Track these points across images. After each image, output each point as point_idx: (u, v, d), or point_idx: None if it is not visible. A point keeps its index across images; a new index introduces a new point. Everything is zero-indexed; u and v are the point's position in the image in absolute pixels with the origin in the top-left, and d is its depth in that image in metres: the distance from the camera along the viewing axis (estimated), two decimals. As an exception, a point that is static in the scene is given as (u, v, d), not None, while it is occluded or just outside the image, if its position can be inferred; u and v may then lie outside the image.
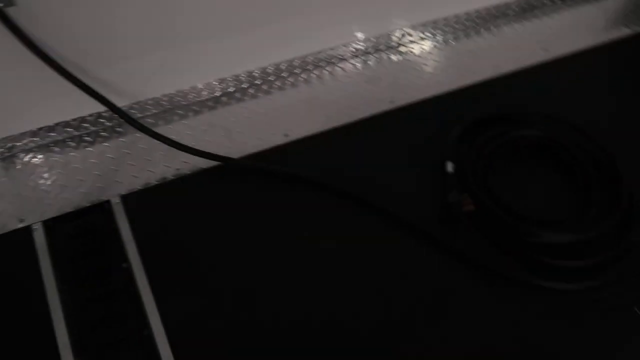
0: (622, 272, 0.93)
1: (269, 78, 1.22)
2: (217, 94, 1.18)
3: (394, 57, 1.28)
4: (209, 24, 1.08)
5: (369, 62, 1.27)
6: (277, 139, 1.11)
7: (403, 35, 1.30)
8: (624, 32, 1.37)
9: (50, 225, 0.96)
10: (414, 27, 1.31)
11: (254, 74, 1.20)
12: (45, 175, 1.03)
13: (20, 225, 0.96)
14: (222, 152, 1.05)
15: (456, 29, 1.35)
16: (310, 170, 1.04)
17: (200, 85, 1.16)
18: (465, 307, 0.90)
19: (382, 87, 1.22)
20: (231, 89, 1.19)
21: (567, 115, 1.13)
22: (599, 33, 1.36)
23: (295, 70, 1.23)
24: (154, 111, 1.14)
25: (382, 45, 1.29)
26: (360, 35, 1.26)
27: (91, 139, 1.09)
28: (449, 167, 1.04)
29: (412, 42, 1.31)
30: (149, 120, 1.12)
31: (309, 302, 0.90)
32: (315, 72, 1.24)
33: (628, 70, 1.29)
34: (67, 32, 0.94)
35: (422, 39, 1.32)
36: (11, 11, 0.85)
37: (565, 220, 0.99)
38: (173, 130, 1.10)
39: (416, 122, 1.15)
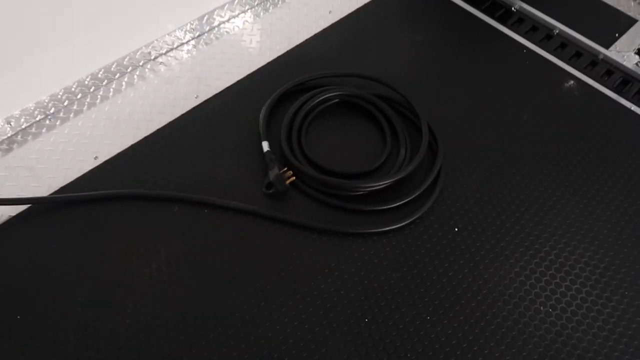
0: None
1: (64, 104, 1.15)
2: (10, 134, 1.10)
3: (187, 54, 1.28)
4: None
5: (160, 65, 1.25)
6: (87, 165, 1.06)
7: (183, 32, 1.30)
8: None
9: None
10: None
11: (44, 102, 1.13)
12: None
13: None
14: (29, 194, 0.99)
15: (252, 5, 1.36)
16: (126, 185, 1.02)
17: (-14, 129, 1.07)
18: (301, 266, 0.95)
19: (182, 84, 1.21)
20: (24, 125, 1.11)
21: (361, 70, 1.20)
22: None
23: (90, 90, 1.18)
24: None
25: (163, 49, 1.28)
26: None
27: None
28: (265, 146, 1.06)
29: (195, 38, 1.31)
30: None
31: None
32: (110, 86, 1.20)
33: (406, 17, 1.40)
34: None
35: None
36: None
37: (380, 168, 1.06)
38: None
39: (225, 110, 1.16)
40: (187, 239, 0.97)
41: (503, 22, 1.38)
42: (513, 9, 1.40)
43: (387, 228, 0.98)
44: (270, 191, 1.01)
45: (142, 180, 1.03)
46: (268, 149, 1.06)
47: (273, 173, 1.01)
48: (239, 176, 1.06)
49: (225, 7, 1.33)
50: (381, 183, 1.01)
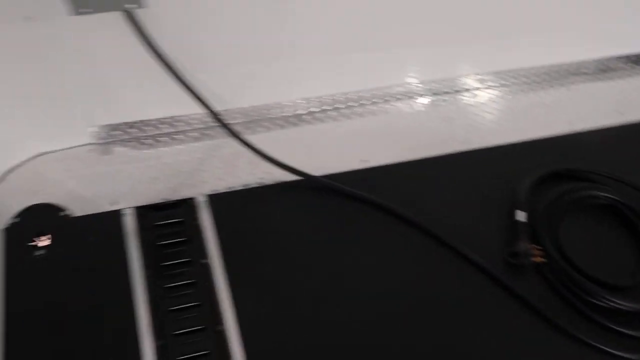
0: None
1: (350, 104, 1.27)
2: (301, 111, 1.24)
3: (468, 100, 1.33)
4: (303, 44, 1.14)
5: (444, 101, 1.32)
6: (354, 163, 1.16)
7: (479, 80, 1.35)
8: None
9: (139, 212, 1.02)
10: (488, 74, 1.36)
11: (336, 97, 1.26)
12: (139, 165, 1.10)
13: (112, 208, 1.02)
14: (302, 168, 1.11)
15: (531, 81, 1.39)
16: (383, 197, 1.09)
17: (286, 102, 1.22)
18: (522, 350, 0.93)
19: (456, 127, 1.27)
20: (314, 109, 1.25)
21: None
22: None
23: (375, 100, 1.29)
24: (241, 120, 1.20)
25: (458, 87, 1.34)
26: (435, 75, 1.31)
27: (183, 138, 1.15)
28: (520, 216, 1.07)
29: (488, 87, 1.36)
30: (237, 128, 1.18)
31: (371, 323, 0.94)
32: (394, 103, 1.29)
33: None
34: (179, 34, 1.01)
35: (495, 86, 1.37)
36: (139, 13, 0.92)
37: (634, 287, 1.01)
38: (257, 141, 1.16)
39: (488, 166, 1.19)
40: (411, 267, 1.01)
41: None
42: None
43: (629, 356, 0.92)
44: (514, 261, 1.01)
45: (395, 197, 1.10)
46: (524, 220, 1.06)
47: (523, 245, 1.01)
48: (480, 232, 1.07)
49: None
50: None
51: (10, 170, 1.06)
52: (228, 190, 1.08)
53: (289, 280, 0.98)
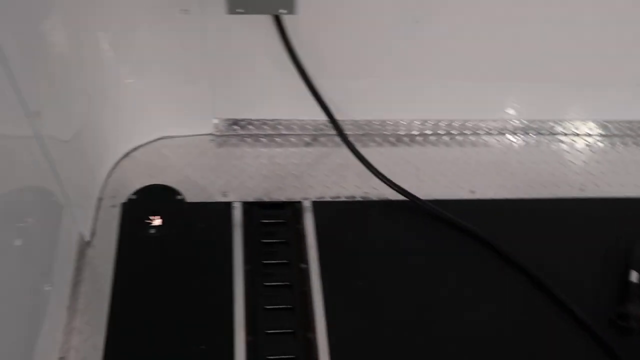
0: None
1: (465, 132, 1.25)
2: (415, 132, 1.23)
3: (584, 145, 1.27)
4: (430, 67, 1.13)
5: (559, 142, 1.26)
6: (463, 193, 1.14)
7: (597, 127, 1.29)
8: None
9: (247, 207, 1.05)
10: (606, 122, 1.29)
11: (453, 124, 1.24)
12: (252, 162, 1.13)
13: (223, 199, 1.06)
14: (409, 189, 1.10)
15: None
16: (489, 231, 1.06)
17: (401, 121, 1.22)
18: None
19: (569, 170, 1.21)
20: (428, 132, 1.24)
21: None
22: None
23: (490, 131, 1.26)
24: (353, 132, 1.21)
25: (576, 131, 1.28)
26: (553, 115, 1.27)
27: (296, 141, 1.18)
28: (634, 277, 1.01)
29: (605, 135, 1.29)
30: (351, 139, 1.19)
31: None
32: (509, 137, 1.26)
33: None
34: (316, 42, 1.04)
35: (614, 135, 1.29)
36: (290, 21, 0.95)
37: None
38: (367, 154, 1.16)
39: (602, 217, 1.13)
40: (505, 307, 0.98)
41: None
42: None
43: None
44: (621, 323, 0.95)
45: (502, 235, 1.06)
46: (636, 281, 1.00)
47: (634, 308, 0.95)
48: (586, 285, 1.02)
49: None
50: None
51: (135, 149, 1.13)
52: (333, 200, 1.09)
53: (383, 297, 0.97)
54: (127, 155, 1.12)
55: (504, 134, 1.26)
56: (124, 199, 1.04)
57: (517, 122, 1.26)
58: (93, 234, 0.99)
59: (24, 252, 0.71)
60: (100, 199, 1.04)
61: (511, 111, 1.25)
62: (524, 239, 1.07)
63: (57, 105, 0.86)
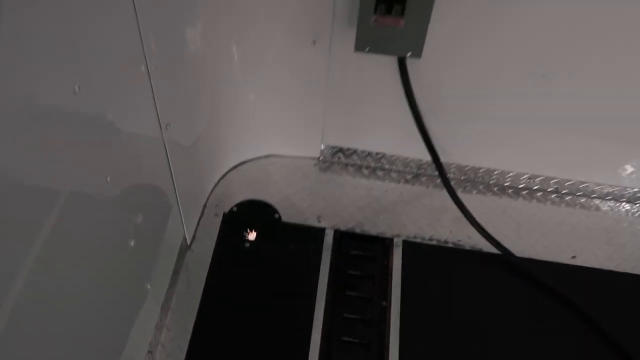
0: None
1: (577, 193, 1.19)
2: (520, 185, 1.19)
3: None
4: (549, 122, 1.09)
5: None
6: (563, 257, 1.08)
7: None
8: None
9: (339, 236, 1.08)
10: None
11: (565, 183, 1.18)
12: (350, 191, 1.16)
13: (317, 224, 1.09)
14: (505, 243, 1.07)
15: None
16: (587, 302, 1.00)
17: (508, 172, 1.19)
18: None
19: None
20: (535, 187, 1.19)
21: None
22: None
23: (606, 197, 1.19)
24: (456, 176, 1.19)
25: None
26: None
27: (396, 177, 1.19)
28: None
29: None
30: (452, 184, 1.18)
31: None
32: (626, 206, 1.18)
33: None
34: (433, 85, 1.04)
35: None
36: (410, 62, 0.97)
37: None
38: (467, 201, 1.14)
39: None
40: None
41: None
42: None
43: None
44: None
45: (600, 305, 1.00)
46: None
47: None
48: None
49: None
50: None
51: (243, 162, 1.19)
52: (425, 242, 1.08)
53: (460, 348, 0.95)
54: (235, 167, 1.18)
55: (619, 201, 1.18)
56: (226, 209, 1.11)
57: (637, 189, 1.18)
58: (193, 238, 1.06)
59: (135, 250, 0.78)
60: (205, 206, 1.11)
61: (631, 178, 1.18)
62: (623, 315, 1.00)
63: (185, 116, 0.94)
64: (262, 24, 1.00)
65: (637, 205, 1.18)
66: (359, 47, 0.91)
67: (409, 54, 0.92)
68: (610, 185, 1.18)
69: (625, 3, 0.90)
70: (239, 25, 1.00)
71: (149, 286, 0.85)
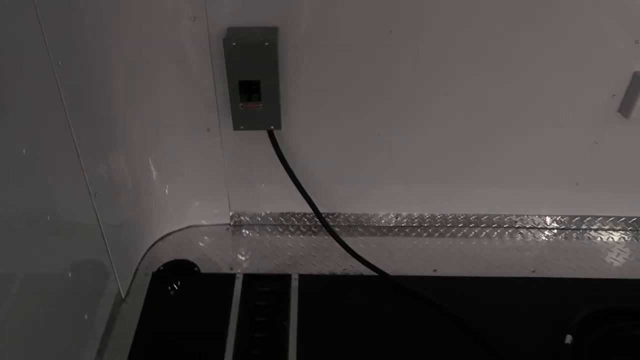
0: None
1: (436, 225, 1.51)
2: (391, 224, 1.51)
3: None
4: (407, 171, 1.43)
5: (519, 233, 1.50)
6: (426, 271, 1.37)
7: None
8: None
9: (247, 278, 1.34)
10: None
11: (425, 216, 1.50)
12: (257, 245, 1.44)
13: (230, 271, 1.36)
14: (381, 267, 1.35)
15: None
16: (446, 302, 1.28)
17: (380, 214, 1.50)
18: None
19: (525, 256, 1.44)
20: (403, 224, 1.51)
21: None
22: None
23: (459, 224, 1.51)
24: (342, 223, 1.50)
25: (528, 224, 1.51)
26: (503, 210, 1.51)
27: (293, 230, 1.48)
28: (567, 339, 1.18)
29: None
30: (336, 229, 1.48)
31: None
32: (468, 229, 1.50)
33: None
34: (303, 151, 1.37)
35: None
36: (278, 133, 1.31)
37: None
38: (350, 241, 1.43)
39: (550, 296, 1.32)
40: None
41: None
42: None
43: None
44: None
45: (458, 306, 1.28)
46: (569, 342, 1.17)
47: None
48: (531, 350, 1.20)
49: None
50: None
51: (169, 234, 1.47)
52: (316, 274, 1.36)
53: (351, 352, 1.19)
54: (162, 238, 1.46)
55: (472, 227, 1.51)
56: (155, 269, 1.36)
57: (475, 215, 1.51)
58: (128, 293, 1.30)
59: (75, 288, 1.03)
60: (137, 269, 1.37)
61: (481, 208, 1.51)
62: (476, 311, 1.27)
63: (113, 195, 1.23)
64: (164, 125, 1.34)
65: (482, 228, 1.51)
66: (236, 126, 1.24)
67: (272, 127, 1.26)
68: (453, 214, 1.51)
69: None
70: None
71: (86, 317, 1.09)
